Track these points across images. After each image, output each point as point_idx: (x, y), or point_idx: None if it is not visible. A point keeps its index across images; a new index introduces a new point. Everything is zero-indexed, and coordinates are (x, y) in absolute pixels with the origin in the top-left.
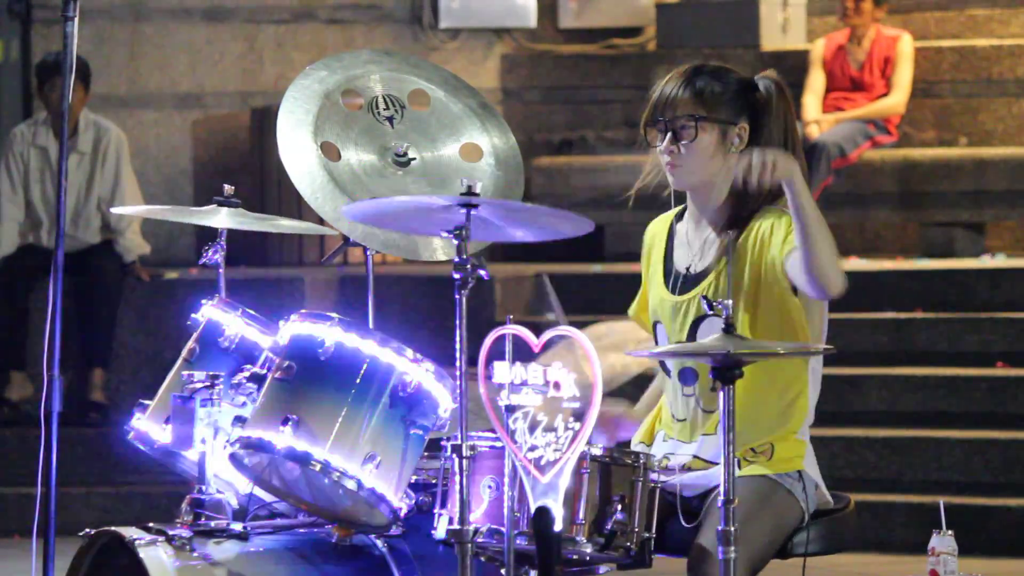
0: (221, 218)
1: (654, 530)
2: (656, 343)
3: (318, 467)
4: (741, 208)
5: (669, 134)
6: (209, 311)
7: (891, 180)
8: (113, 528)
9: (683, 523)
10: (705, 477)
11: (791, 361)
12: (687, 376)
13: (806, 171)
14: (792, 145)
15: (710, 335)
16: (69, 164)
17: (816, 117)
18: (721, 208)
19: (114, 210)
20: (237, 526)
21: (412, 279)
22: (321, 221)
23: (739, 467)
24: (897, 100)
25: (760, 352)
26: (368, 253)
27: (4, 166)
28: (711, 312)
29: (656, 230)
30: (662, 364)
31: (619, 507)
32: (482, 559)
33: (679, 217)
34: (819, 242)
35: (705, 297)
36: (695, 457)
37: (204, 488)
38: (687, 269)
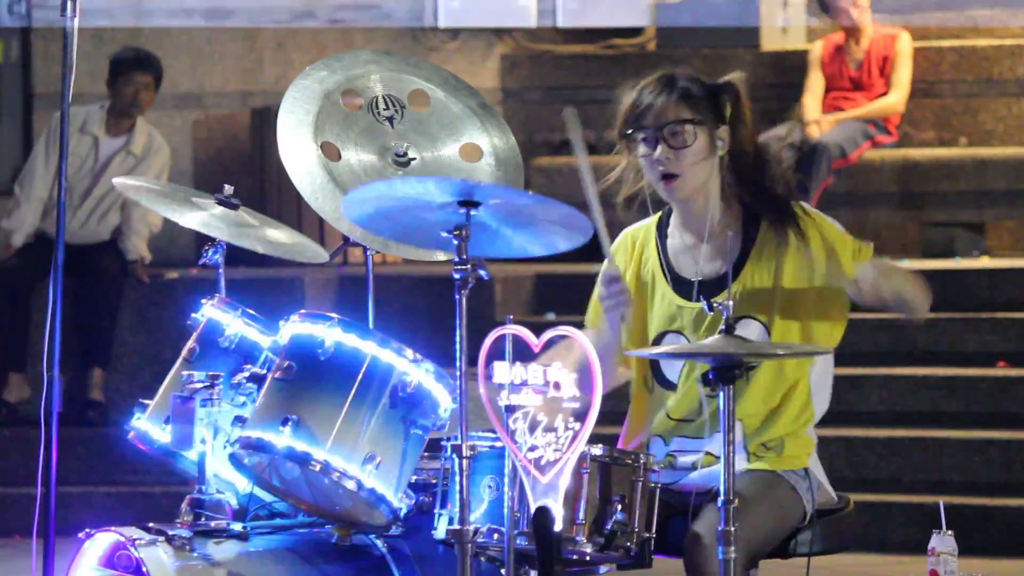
0: (218, 223)
1: (654, 530)
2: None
3: (318, 467)
4: (775, 215)
5: (661, 143)
6: (209, 311)
7: (891, 180)
8: (113, 528)
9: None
10: (714, 476)
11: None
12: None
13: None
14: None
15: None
16: (115, 159)
17: (816, 117)
18: (727, 212)
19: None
20: (237, 526)
21: (412, 279)
22: (321, 222)
23: (748, 461)
24: (896, 99)
25: (759, 353)
26: (368, 253)
27: (45, 143)
28: (711, 312)
29: (641, 238)
30: (660, 376)
31: (619, 507)
32: (482, 559)
33: (663, 223)
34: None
35: (707, 300)
36: (707, 453)
37: (204, 488)
38: (697, 276)
